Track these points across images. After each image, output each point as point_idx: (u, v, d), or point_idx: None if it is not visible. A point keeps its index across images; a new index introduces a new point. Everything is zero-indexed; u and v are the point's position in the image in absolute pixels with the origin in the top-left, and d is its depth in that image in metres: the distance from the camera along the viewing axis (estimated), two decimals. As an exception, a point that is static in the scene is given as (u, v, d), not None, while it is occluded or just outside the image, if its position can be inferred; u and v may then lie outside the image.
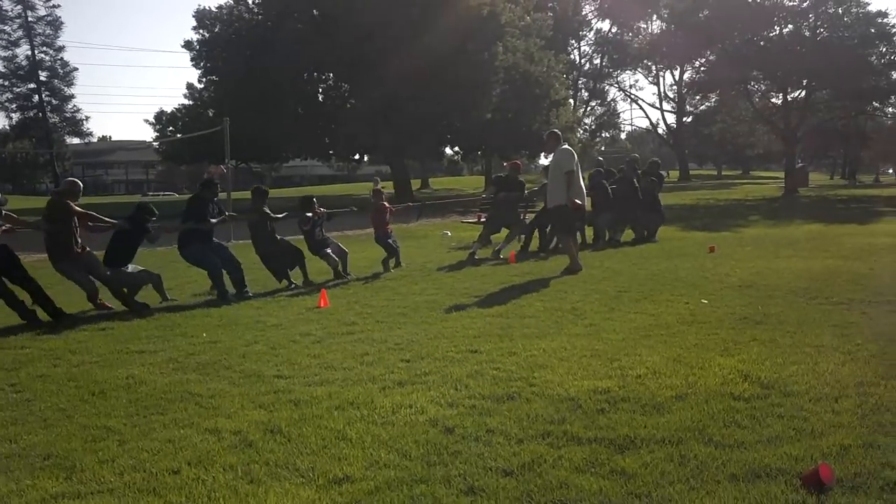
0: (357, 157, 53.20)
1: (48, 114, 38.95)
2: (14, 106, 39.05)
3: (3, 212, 8.70)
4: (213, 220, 10.29)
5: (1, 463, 4.08)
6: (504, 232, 14.41)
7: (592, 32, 71.22)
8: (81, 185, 9.50)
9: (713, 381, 5.11)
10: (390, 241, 12.85)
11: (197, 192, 10.79)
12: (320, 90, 44.24)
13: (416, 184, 55.95)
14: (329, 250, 11.63)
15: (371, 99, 36.19)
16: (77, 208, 9.12)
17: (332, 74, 43.05)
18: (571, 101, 59.15)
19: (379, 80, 34.27)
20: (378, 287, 10.49)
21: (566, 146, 11.83)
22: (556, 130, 12.91)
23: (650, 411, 4.56)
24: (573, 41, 67.64)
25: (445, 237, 18.87)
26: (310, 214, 11.56)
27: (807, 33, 37.98)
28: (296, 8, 38.94)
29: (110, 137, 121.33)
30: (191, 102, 44.89)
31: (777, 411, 4.48)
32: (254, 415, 4.78)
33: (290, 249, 11.12)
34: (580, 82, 71.18)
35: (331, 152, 46.44)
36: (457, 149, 51.69)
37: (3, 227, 8.56)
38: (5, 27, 37.67)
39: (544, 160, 66.16)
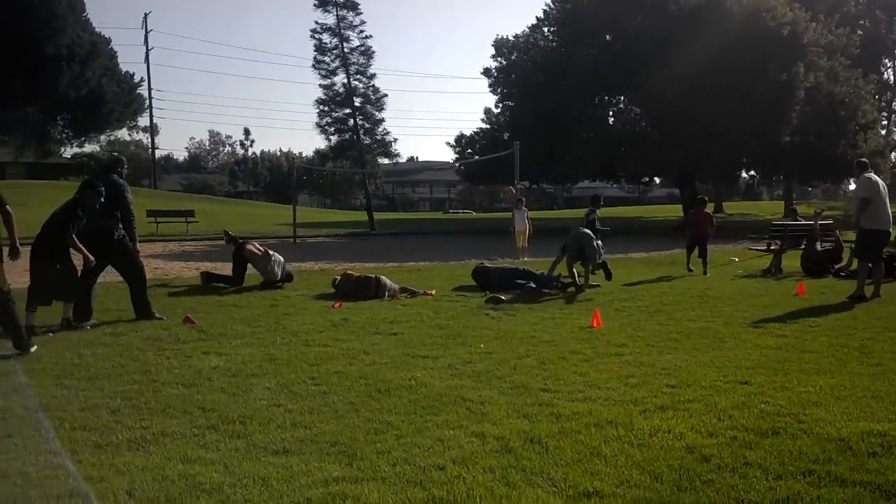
0: (646, 179, 52.55)
1: (361, 136, 42.75)
2: (332, 129, 43.26)
3: None
4: None
5: (295, 446, 4.68)
6: None
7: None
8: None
9: None
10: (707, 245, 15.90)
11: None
12: (611, 113, 44.31)
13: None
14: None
15: (661, 122, 35.63)
16: None
17: (622, 98, 42.96)
18: (885, 123, 53.65)
19: (670, 103, 33.63)
20: (653, 311, 10.41)
21: (868, 174, 11.47)
22: (863, 160, 12.65)
23: (930, 461, 4.21)
24: (886, 59, 61.30)
25: (731, 263, 18.17)
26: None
27: None
28: (589, 34, 39.43)
29: (417, 158, 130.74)
30: (488, 126, 47.08)
31: None
32: (517, 423, 5.07)
33: None
34: (895, 104, 64.26)
35: (620, 174, 46.25)
36: (752, 172, 49.10)
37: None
38: (325, 58, 41.88)
39: (852, 185, 60.75)
